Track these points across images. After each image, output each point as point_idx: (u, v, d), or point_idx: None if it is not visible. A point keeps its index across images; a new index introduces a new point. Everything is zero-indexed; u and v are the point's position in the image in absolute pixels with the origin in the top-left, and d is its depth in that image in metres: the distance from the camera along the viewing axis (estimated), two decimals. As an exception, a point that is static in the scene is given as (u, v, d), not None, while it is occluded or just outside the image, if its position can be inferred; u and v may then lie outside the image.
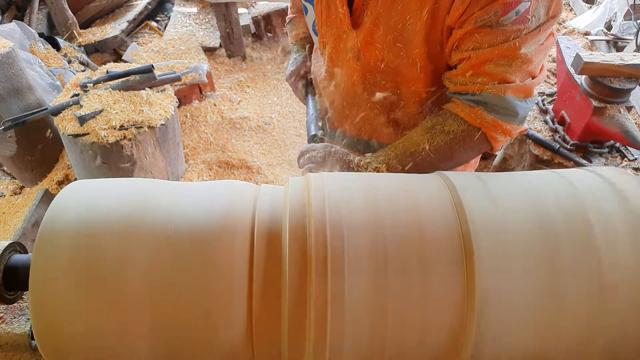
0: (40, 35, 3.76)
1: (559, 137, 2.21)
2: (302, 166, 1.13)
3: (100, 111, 2.55)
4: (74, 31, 4.19)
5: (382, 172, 1.04)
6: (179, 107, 3.53)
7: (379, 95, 1.18)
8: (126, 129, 2.51)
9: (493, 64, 0.94)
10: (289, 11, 1.54)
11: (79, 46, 4.10)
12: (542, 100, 2.46)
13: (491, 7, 0.89)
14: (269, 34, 4.61)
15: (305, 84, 1.46)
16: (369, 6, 1.04)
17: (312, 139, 1.26)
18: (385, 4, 1.00)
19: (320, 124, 1.33)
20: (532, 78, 0.98)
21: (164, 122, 2.64)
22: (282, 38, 4.58)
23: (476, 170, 1.51)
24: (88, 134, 2.47)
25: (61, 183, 3.00)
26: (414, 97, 1.13)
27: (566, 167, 2.10)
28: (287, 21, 1.55)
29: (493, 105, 0.98)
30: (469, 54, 0.95)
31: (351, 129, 1.33)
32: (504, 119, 0.99)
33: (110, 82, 2.76)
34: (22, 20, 3.97)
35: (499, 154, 2.63)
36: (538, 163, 2.20)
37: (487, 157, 2.98)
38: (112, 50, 4.31)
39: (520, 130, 1.04)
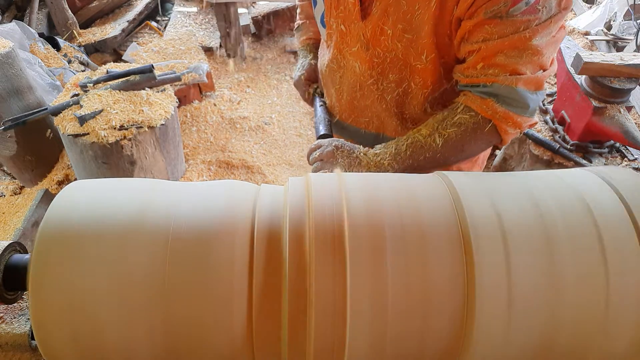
0: (40, 35, 3.76)
1: (559, 137, 2.21)
2: (312, 163, 1.14)
3: (100, 111, 2.55)
4: (74, 31, 4.19)
5: (392, 165, 1.06)
6: (179, 107, 3.53)
7: (386, 86, 1.18)
8: (126, 129, 2.51)
9: (504, 55, 0.95)
10: (297, 17, 1.55)
11: (79, 46, 4.10)
12: (542, 100, 2.45)
13: None
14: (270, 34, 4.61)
15: (312, 87, 1.48)
16: None
17: (321, 138, 1.26)
18: None
19: (328, 123, 1.33)
20: (543, 70, 0.99)
21: (164, 122, 2.64)
22: (282, 38, 4.58)
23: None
24: (88, 134, 2.47)
25: (61, 183, 3.01)
26: (421, 89, 1.15)
27: (566, 167, 2.10)
28: (295, 27, 1.56)
29: (504, 97, 0.99)
30: (479, 45, 0.96)
31: (359, 122, 1.33)
32: (515, 111, 1.00)
33: (110, 82, 2.76)
34: (22, 20, 3.97)
35: (499, 153, 2.63)
36: (538, 163, 2.20)
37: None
38: (112, 50, 4.31)
39: (531, 123, 1.04)
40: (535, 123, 1.06)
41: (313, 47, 1.51)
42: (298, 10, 1.55)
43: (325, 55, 1.32)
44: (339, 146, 1.11)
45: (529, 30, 0.91)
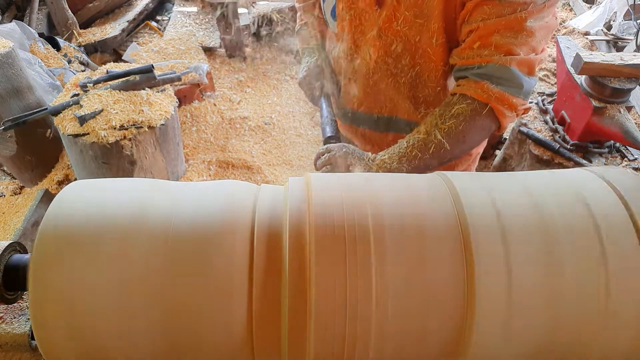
0: (40, 35, 3.76)
1: (559, 137, 2.21)
2: (319, 168, 1.15)
3: (100, 111, 2.55)
4: (74, 31, 4.19)
5: (400, 169, 1.08)
6: (179, 107, 3.53)
7: (400, 70, 1.22)
8: (126, 129, 2.51)
9: (500, 35, 1.00)
10: (298, 20, 1.58)
11: (79, 46, 4.10)
12: (542, 100, 2.46)
13: None
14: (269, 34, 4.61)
15: (318, 87, 1.49)
16: None
17: (328, 140, 1.27)
18: None
19: (334, 125, 1.34)
20: (535, 54, 1.04)
21: (164, 122, 2.64)
22: (282, 38, 4.58)
23: (476, 170, 1.51)
24: (88, 134, 2.47)
25: (61, 183, 3.01)
26: (433, 71, 1.19)
27: (566, 167, 2.10)
28: (297, 28, 1.58)
29: (498, 78, 1.03)
30: (477, 24, 1.02)
31: (373, 108, 1.36)
32: (510, 91, 1.04)
33: (110, 82, 2.76)
34: (22, 20, 3.97)
35: (499, 154, 2.63)
36: (538, 163, 2.20)
37: (486, 157, 2.98)
38: (112, 50, 4.32)
39: (525, 108, 1.08)
40: (529, 109, 1.10)
41: (316, 47, 1.52)
42: (299, 13, 1.57)
43: (336, 48, 1.36)
44: (349, 152, 1.13)
45: (525, 12, 0.97)
